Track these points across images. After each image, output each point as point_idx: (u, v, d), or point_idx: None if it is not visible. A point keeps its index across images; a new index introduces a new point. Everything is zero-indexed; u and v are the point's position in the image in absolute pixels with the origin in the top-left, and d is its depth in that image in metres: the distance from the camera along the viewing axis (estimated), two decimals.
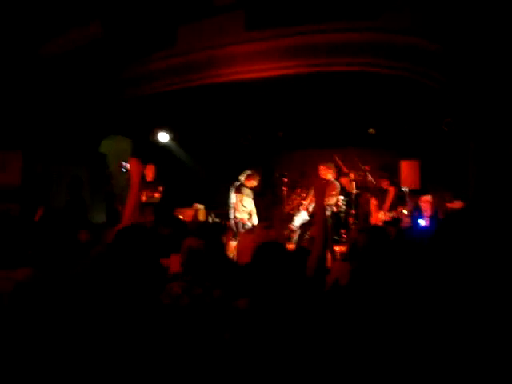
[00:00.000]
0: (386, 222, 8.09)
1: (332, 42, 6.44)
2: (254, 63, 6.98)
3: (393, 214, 8.17)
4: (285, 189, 10.48)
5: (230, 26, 6.81)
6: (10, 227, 2.92)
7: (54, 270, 2.64)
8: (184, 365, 2.32)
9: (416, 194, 9.12)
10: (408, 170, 9.68)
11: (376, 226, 6.46)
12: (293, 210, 10.27)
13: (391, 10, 5.95)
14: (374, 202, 8.61)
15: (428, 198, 8.64)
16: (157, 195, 8.79)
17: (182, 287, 3.00)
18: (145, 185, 8.64)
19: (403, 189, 8.56)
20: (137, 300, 2.37)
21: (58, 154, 8.15)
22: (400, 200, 8.31)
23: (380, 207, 8.45)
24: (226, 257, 4.39)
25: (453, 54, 5.95)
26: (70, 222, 2.98)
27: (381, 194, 8.54)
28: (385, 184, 8.59)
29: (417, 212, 7.98)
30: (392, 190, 8.39)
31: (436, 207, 8.46)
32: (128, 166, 3.25)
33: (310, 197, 8.89)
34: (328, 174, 9.29)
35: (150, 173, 8.85)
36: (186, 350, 2.44)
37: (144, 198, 8.55)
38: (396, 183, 8.71)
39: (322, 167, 9.08)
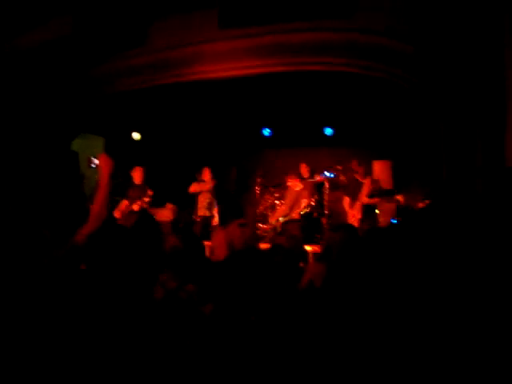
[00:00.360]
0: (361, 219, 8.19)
1: (305, 41, 6.45)
2: (227, 62, 6.96)
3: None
4: (258, 188, 10.50)
5: (203, 24, 6.77)
6: None
7: (15, 268, 2.57)
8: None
9: (388, 194, 9.21)
10: (380, 170, 9.80)
11: (350, 225, 6.50)
12: (266, 209, 10.30)
13: (364, 9, 5.99)
14: (346, 199, 8.68)
15: (399, 197, 8.75)
16: (147, 199, 8.76)
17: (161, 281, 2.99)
18: (134, 189, 8.79)
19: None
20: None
21: (29, 152, 8.01)
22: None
23: (353, 205, 8.50)
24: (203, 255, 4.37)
25: (424, 55, 6.02)
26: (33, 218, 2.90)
27: (354, 190, 8.59)
28: (360, 176, 8.65)
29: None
30: (367, 182, 8.46)
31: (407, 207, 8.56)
32: (97, 162, 3.20)
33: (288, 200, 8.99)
34: (305, 173, 9.39)
35: (137, 175, 8.91)
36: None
37: (137, 207, 8.60)
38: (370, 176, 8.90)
39: (303, 165, 9.27)
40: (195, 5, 6.71)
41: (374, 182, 8.49)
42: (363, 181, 8.45)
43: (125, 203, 8.75)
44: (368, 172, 8.93)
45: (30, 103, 7.81)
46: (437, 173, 6.98)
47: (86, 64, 7.58)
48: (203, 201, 9.56)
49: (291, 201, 8.94)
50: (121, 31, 6.98)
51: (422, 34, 5.89)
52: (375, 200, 8.09)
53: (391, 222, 8.03)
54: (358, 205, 8.25)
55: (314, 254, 8.30)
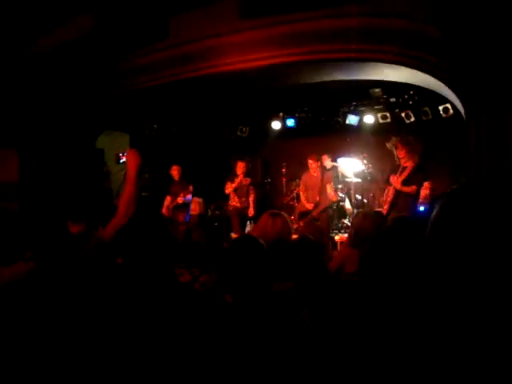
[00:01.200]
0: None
1: (327, 28, 6.37)
2: (248, 52, 6.91)
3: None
4: (283, 179, 10.46)
5: (224, 16, 6.74)
6: (8, 223, 2.86)
7: (49, 264, 2.59)
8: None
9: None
10: None
11: (378, 212, 6.35)
12: (292, 200, 10.25)
13: None
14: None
15: (427, 184, 8.55)
16: (188, 196, 9.32)
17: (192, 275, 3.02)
18: (175, 185, 9.36)
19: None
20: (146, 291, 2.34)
21: (55, 150, 8.11)
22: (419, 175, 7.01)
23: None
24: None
25: (453, 39, 5.89)
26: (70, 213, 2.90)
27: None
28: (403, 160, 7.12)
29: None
30: (410, 165, 7.01)
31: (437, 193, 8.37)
32: (125, 158, 3.21)
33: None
34: (327, 162, 9.31)
35: (176, 173, 9.44)
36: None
37: (180, 201, 9.16)
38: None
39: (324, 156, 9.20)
40: None
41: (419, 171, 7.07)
42: (406, 165, 7.07)
43: (168, 199, 9.31)
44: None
45: (54, 102, 7.89)
46: (465, 158, 6.85)
47: (109, 60, 7.62)
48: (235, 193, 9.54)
49: (315, 187, 8.86)
50: (142, 26, 6.99)
51: (449, 16, 5.76)
52: (412, 188, 7.05)
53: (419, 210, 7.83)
54: (391, 189, 7.21)
55: (341, 242, 8.23)
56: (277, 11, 6.48)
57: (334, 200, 8.87)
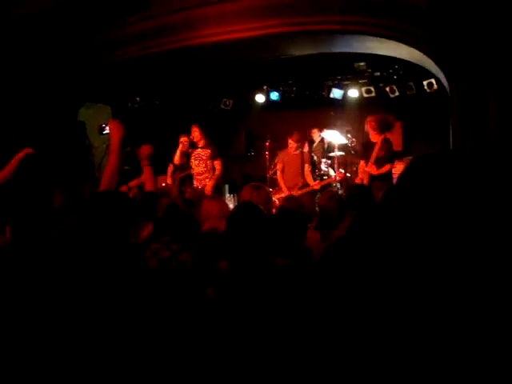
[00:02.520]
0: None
1: (307, 0, 6.30)
2: (228, 24, 6.81)
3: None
4: (267, 153, 10.42)
5: None
6: None
7: (28, 236, 2.56)
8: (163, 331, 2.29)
9: (399, 155, 9.11)
10: (391, 132, 9.67)
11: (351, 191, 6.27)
12: (275, 174, 10.22)
13: None
14: (361, 163, 7.82)
15: (410, 159, 8.58)
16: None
17: (152, 250, 2.98)
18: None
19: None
20: (116, 265, 2.31)
21: (36, 122, 7.97)
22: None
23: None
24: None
25: (437, 10, 5.85)
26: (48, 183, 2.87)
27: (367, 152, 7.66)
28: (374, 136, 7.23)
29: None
30: (379, 141, 7.06)
31: None
32: (107, 129, 3.19)
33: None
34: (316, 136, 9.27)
35: (196, 133, 8.42)
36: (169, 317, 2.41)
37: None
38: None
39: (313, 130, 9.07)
40: None
41: (386, 143, 7.13)
42: (374, 140, 7.13)
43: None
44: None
45: (32, 73, 7.73)
46: (447, 133, 6.88)
47: (90, 31, 7.46)
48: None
49: (296, 167, 8.34)
50: None
51: None
52: (385, 169, 7.10)
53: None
54: (367, 169, 7.28)
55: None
56: None
57: (315, 187, 8.17)
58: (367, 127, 7.24)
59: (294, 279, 2.42)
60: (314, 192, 8.30)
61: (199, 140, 8.39)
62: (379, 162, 6.90)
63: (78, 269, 2.38)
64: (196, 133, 8.38)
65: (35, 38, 7.35)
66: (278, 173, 8.57)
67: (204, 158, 8.32)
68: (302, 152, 8.48)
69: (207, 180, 8.22)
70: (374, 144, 7.10)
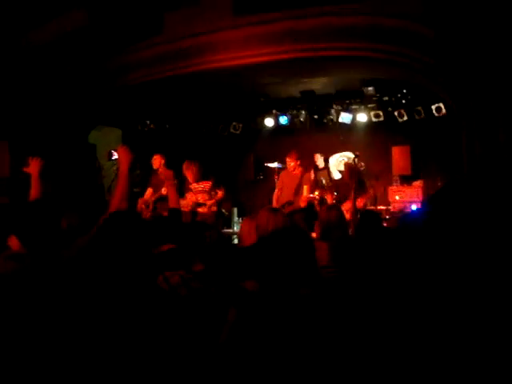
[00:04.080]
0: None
1: (321, 26, 6.38)
2: (241, 49, 6.90)
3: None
4: (276, 176, 10.45)
5: (218, 12, 6.72)
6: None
7: (39, 258, 2.59)
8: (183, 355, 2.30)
9: (407, 179, 9.12)
10: (399, 156, 9.70)
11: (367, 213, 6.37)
12: None
13: None
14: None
15: (419, 183, 8.64)
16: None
17: (181, 278, 2.98)
18: (156, 176, 8.10)
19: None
20: (130, 288, 2.34)
21: (47, 144, 8.06)
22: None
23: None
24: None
25: (446, 39, 5.90)
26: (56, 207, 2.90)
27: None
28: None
29: None
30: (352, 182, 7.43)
31: (428, 192, 8.46)
32: (116, 154, 3.26)
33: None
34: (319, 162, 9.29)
35: (157, 162, 8.24)
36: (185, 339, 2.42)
37: (165, 192, 7.72)
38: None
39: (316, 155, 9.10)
40: None
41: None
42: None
43: (150, 191, 8.26)
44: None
45: (47, 96, 7.84)
46: (456, 157, 6.90)
47: (103, 55, 7.57)
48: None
49: (291, 186, 8.35)
50: (136, 21, 6.95)
51: (443, 17, 5.77)
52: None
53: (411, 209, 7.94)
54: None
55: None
56: (271, 8, 6.47)
57: (301, 205, 8.02)
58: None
59: (316, 308, 2.42)
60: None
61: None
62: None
63: (91, 290, 2.40)
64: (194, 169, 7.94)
65: (49, 63, 7.48)
66: (276, 190, 8.64)
67: (206, 190, 8.03)
68: (302, 172, 8.48)
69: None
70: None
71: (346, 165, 8.13)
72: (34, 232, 2.71)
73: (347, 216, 7.09)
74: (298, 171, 8.42)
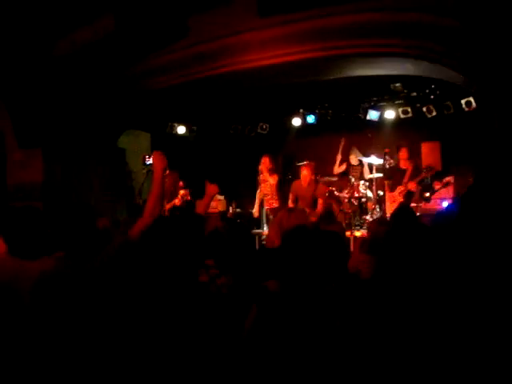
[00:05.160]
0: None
1: (347, 24, 6.34)
2: (268, 50, 6.91)
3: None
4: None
5: (243, 14, 6.73)
6: (33, 219, 2.96)
7: (76, 259, 2.66)
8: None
9: (438, 175, 9.02)
10: (429, 152, 9.60)
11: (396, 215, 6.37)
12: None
13: None
14: (385, 183, 8.48)
15: (450, 179, 8.53)
16: (182, 192, 8.68)
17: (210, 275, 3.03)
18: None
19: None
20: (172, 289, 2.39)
21: (78, 150, 8.22)
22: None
23: (394, 188, 8.27)
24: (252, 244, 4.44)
25: (472, 30, 5.82)
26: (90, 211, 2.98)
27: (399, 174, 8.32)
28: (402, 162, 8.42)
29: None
30: (410, 168, 8.22)
31: (459, 188, 8.36)
32: (151, 159, 3.32)
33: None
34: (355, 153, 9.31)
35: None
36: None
37: (178, 203, 8.53)
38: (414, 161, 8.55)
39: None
40: None
41: (417, 168, 8.26)
42: (405, 167, 8.23)
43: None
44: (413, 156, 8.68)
45: (77, 103, 7.99)
46: (487, 152, 6.79)
47: (130, 60, 7.68)
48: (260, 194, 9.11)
49: (308, 199, 8.52)
50: (162, 25, 7.02)
51: (468, 7, 5.69)
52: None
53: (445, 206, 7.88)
54: (399, 188, 7.99)
55: (361, 243, 8.14)
56: (295, 8, 6.46)
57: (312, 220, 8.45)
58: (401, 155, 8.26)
59: (340, 304, 2.43)
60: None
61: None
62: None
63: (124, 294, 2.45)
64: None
65: (77, 70, 7.61)
66: (289, 202, 8.77)
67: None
68: (316, 184, 8.50)
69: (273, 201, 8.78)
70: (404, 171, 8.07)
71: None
72: (70, 235, 2.78)
73: (399, 198, 7.63)
74: (311, 183, 8.47)
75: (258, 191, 9.16)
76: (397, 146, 8.53)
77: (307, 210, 8.21)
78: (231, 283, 3.00)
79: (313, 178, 8.60)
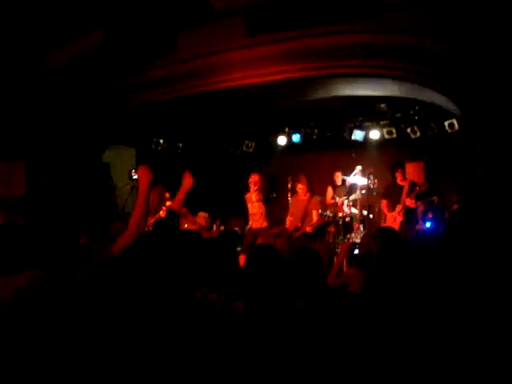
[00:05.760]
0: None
1: (334, 45, 6.42)
2: (256, 68, 6.96)
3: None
4: (289, 194, 10.44)
5: (231, 32, 6.79)
6: (15, 235, 2.90)
7: (55, 274, 2.61)
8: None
9: (422, 196, 9.07)
10: (413, 172, 9.67)
11: (389, 231, 6.37)
12: None
13: (392, 9, 5.93)
14: (384, 202, 8.49)
15: (433, 199, 8.62)
16: (168, 203, 8.31)
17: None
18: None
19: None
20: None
21: (62, 164, 8.15)
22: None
23: (393, 207, 8.28)
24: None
25: (457, 53, 5.91)
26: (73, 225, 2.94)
27: (394, 192, 8.32)
28: (399, 179, 8.37)
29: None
30: (406, 184, 8.20)
31: (442, 208, 8.44)
32: (137, 174, 3.29)
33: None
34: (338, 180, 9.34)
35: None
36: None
37: (164, 214, 8.03)
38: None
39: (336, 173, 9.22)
40: (222, 13, 6.72)
41: (413, 184, 8.24)
42: (403, 183, 8.22)
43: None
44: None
45: (62, 116, 7.94)
46: (470, 172, 6.87)
47: (117, 76, 7.67)
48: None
49: (299, 212, 8.57)
50: (150, 41, 7.04)
51: (455, 32, 5.79)
52: (418, 203, 7.90)
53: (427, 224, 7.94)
54: (399, 207, 8.05)
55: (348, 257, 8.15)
56: (283, 27, 6.53)
57: (307, 230, 8.44)
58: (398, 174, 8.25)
59: (309, 323, 2.42)
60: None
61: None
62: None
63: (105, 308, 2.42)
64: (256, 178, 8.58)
65: (63, 84, 7.59)
66: (288, 216, 8.74)
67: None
68: (309, 197, 8.56)
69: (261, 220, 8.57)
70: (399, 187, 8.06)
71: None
72: (52, 250, 2.73)
73: (399, 218, 7.63)
74: (306, 196, 8.55)
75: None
76: (392, 166, 8.53)
77: (299, 224, 8.43)
78: (223, 299, 2.98)
79: (306, 189, 8.65)
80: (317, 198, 8.94)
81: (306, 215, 8.55)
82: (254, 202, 8.60)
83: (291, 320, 2.41)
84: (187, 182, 4.21)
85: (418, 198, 8.05)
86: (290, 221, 8.66)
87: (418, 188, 8.05)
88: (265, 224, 8.52)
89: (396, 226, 7.81)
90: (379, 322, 2.49)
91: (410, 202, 7.91)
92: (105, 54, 7.18)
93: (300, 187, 8.66)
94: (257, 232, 8.23)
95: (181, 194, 4.22)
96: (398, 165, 8.44)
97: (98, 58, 7.28)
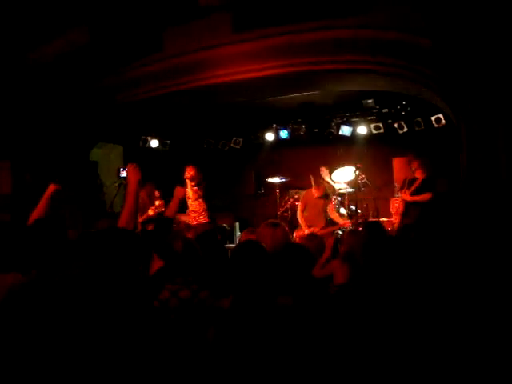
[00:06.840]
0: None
1: (322, 40, 6.42)
2: (242, 64, 6.95)
3: None
4: (277, 190, 10.46)
5: (218, 28, 6.77)
6: (3, 234, 2.87)
7: (46, 272, 2.59)
8: (170, 364, 2.30)
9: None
10: (400, 167, 9.71)
11: (373, 225, 6.38)
12: (286, 211, 10.26)
13: (379, 5, 5.95)
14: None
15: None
16: (158, 202, 8.10)
17: (171, 290, 2.97)
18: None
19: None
20: (124, 305, 2.33)
21: (48, 162, 8.09)
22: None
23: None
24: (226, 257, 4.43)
25: (444, 48, 5.94)
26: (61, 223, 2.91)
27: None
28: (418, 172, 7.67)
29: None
30: (420, 177, 7.54)
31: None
32: (125, 172, 3.29)
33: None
34: (325, 174, 9.27)
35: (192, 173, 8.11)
36: (173, 350, 2.42)
37: (152, 212, 7.93)
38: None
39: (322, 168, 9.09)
40: (208, 9, 6.70)
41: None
42: (418, 176, 7.59)
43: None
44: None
45: (48, 114, 7.88)
46: (456, 167, 6.92)
47: (103, 73, 7.62)
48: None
49: (318, 207, 8.12)
50: (136, 38, 7.00)
51: (441, 27, 5.82)
52: (424, 196, 7.55)
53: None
54: (403, 197, 7.75)
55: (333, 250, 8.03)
56: (269, 23, 6.52)
57: (345, 225, 8.18)
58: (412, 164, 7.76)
59: (294, 318, 2.43)
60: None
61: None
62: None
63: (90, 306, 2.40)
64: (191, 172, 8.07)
65: (49, 81, 7.52)
66: (299, 212, 8.42)
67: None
68: (326, 199, 8.29)
69: (201, 217, 8.05)
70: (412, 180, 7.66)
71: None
72: (39, 250, 2.71)
73: (399, 208, 7.46)
74: (322, 200, 8.22)
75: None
76: (408, 158, 8.17)
77: (321, 221, 8.06)
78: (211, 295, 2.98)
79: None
80: (333, 203, 8.60)
81: (321, 215, 8.10)
82: (192, 200, 7.98)
83: (277, 315, 2.41)
84: (179, 192, 4.43)
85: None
86: (302, 216, 8.17)
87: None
88: (203, 220, 8.03)
89: (397, 216, 7.78)
90: (367, 315, 2.51)
91: (405, 196, 7.74)
92: (91, 51, 7.13)
93: (315, 192, 8.05)
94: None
95: (174, 203, 4.37)
96: (412, 158, 7.87)
97: (84, 55, 7.22)
